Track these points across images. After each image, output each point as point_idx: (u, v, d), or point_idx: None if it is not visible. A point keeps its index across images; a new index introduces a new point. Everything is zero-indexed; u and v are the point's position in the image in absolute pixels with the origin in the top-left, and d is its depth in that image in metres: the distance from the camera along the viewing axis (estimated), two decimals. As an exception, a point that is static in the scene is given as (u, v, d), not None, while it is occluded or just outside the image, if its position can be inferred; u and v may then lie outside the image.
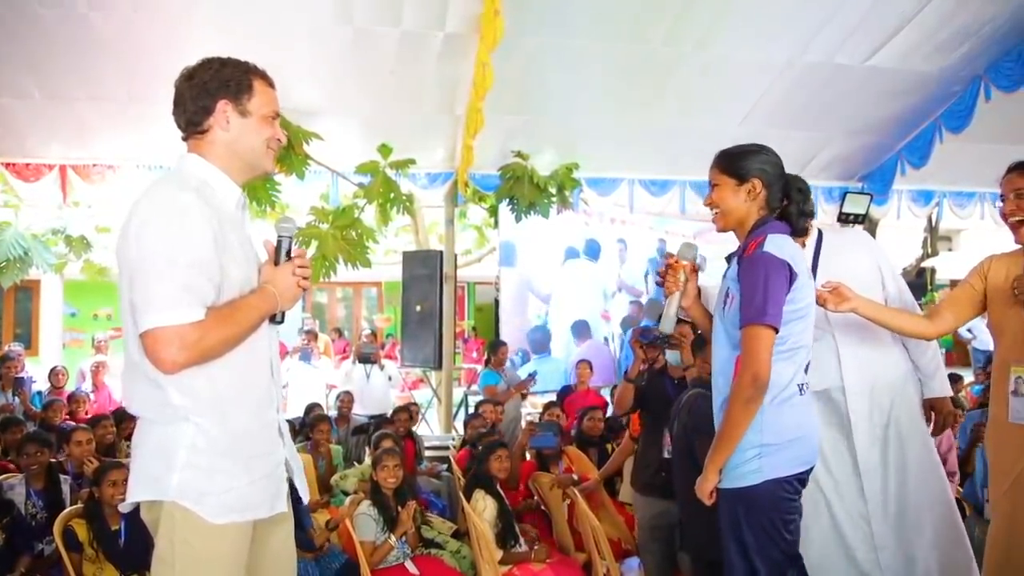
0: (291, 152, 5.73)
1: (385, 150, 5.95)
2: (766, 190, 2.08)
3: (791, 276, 1.97)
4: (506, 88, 5.47)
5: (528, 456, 4.46)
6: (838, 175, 7.36)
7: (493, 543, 3.44)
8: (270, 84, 1.81)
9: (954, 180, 7.55)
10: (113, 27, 5.03)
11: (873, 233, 9.19)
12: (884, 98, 6.17)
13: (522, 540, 3.66)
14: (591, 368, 5.97)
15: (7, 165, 6.19)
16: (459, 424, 6.57)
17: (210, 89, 1.72)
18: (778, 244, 1.99)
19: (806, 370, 2.06)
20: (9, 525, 3.25)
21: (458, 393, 7.66)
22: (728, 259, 2.18)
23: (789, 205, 2.14)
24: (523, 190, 6.22)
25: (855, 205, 7.82)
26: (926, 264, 11.65)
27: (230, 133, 1.73)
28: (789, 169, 2.20)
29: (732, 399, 1.94)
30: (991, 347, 2.63)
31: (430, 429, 6.97)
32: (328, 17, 5.12)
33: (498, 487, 3.70)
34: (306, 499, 1.92)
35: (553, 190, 6.39)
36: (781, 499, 1.98)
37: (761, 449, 1.95)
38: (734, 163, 2.12)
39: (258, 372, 1.76)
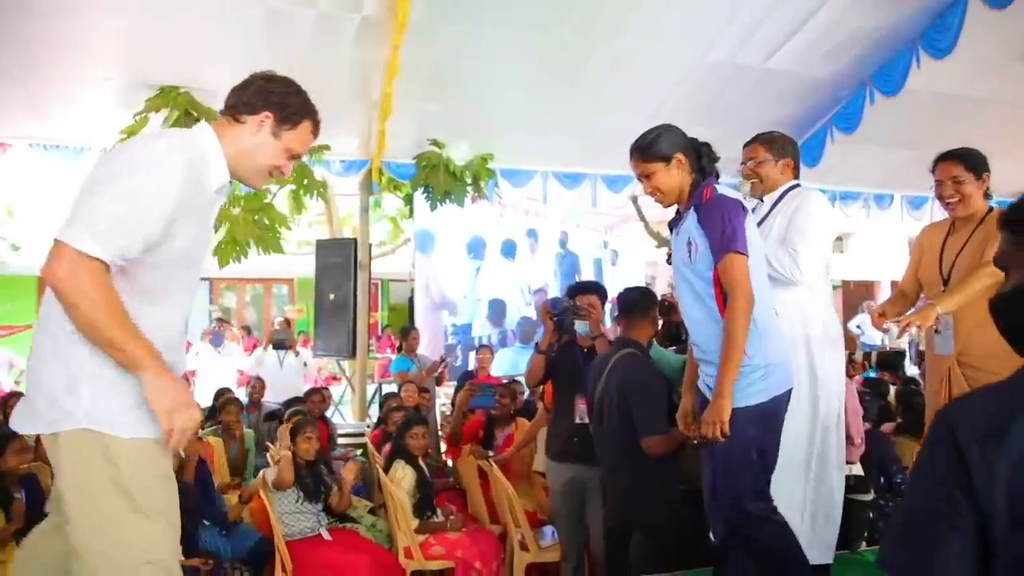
0: (200, 133, 5.59)
1: (298, 135, 5.87)
2: (687, 158, 2.39)
3: (744, 212, 2.26)
4: (421, 75, 5.51)
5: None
6: (740, 172, 7.72)
7: (410, 511, 3.46)
8: (315, 133, 1.94)
9: (842, 180, 8.06)
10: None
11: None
12: (781, 99, 6.54)
13: (439, 511, 3.70)
14: (492, 353, 6.08)
15: None
16: (373, 414, 6.53)
17: (270, 99, 1.83)
18: (725, 190, 2.31)
19: None
20: None
21: (372, 389, 7.61)
22: (672, 225, 2.49)
23: (702, 159, 2.34)
24: (438, 179, 6.27)
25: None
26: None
27: (253, 139, 1.81)
28: None
29: (733, 324, 2.14)
30: (878, 343, 2.98)
31: (343, 419, 6.90)
32: (241, -7, 5.02)
33: (419, 460, 3.73)
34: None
35: (468, 180, 6.47)
36: (781, 412, 2.29)
37: (765, 370, 2.22)
38: (654, 148, 2.40)
39: (174, 320, 1.78)
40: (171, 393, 1.57)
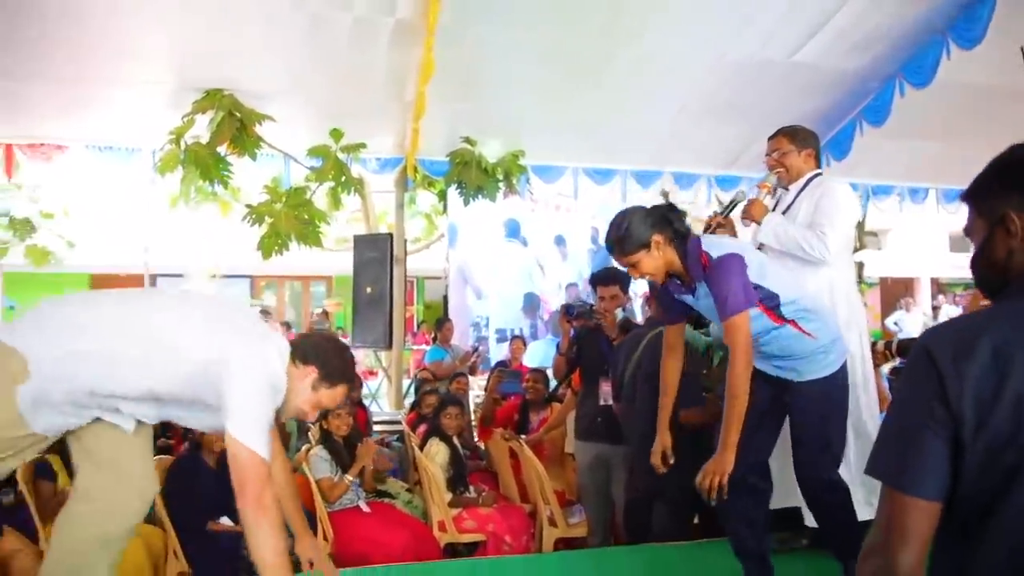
0: (243, 133, 5.86)
1: (336, 134, 6.12)
2: (663, 234, 2.39)
3: (740, 259, 2.31)
4: (454, 75, 5.70)
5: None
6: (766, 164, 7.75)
7: (444, 486, 3.64)
8: (347, 396, 2.31)
9: (872, 174, 8.05)
10: (59, 4, 5.08)
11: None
12: (808, 94, 6.58)
13: (472, 488, 3.87)
14: (524, 344, 6.24)
15: (-52, 144, 6.15)
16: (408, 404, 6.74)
17: (320, 357, 2.09)
18: (712, 243, 2.39)
19: None
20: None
21: (407, 384, 7.84)
22: (679, 291, 2.51)
23: (674, 225, 2.44)
24: (471, 175, 6.45)
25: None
26: (855, 258, 12.23)
27: (298, 384, 2.07)
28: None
29: (735, 382, 2.22)
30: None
31: (380, 408, 7.13)
32: (284, 1, 5.27)
33: (453, 439, 3.92)
34: None
35: (500, 176, 6.65)
36: (847, 380, 2.51)
37: (828, 345, 2.43)
38: (628, 242, 2.38)
39: None
40: None
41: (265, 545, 1.80)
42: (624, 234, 2.35)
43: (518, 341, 6.10)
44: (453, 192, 6.82)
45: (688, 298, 2.46)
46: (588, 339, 3.78)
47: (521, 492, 4.19)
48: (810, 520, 2.80)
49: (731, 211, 3.16)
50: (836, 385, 2.50)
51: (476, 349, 6.02)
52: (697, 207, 11.52)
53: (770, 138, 3.32)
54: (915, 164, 7.81)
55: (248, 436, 1.85)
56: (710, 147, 7.29)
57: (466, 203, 6.62)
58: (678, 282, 2.44)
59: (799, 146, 3.19)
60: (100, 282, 12.95)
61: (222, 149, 5.88)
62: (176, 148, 5.84)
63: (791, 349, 2.45)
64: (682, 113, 6.69)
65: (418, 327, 12.47)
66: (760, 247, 3.03)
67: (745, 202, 3.13)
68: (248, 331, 2.07)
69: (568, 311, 3.80)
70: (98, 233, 10.35)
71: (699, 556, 2.75)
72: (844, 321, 2.92)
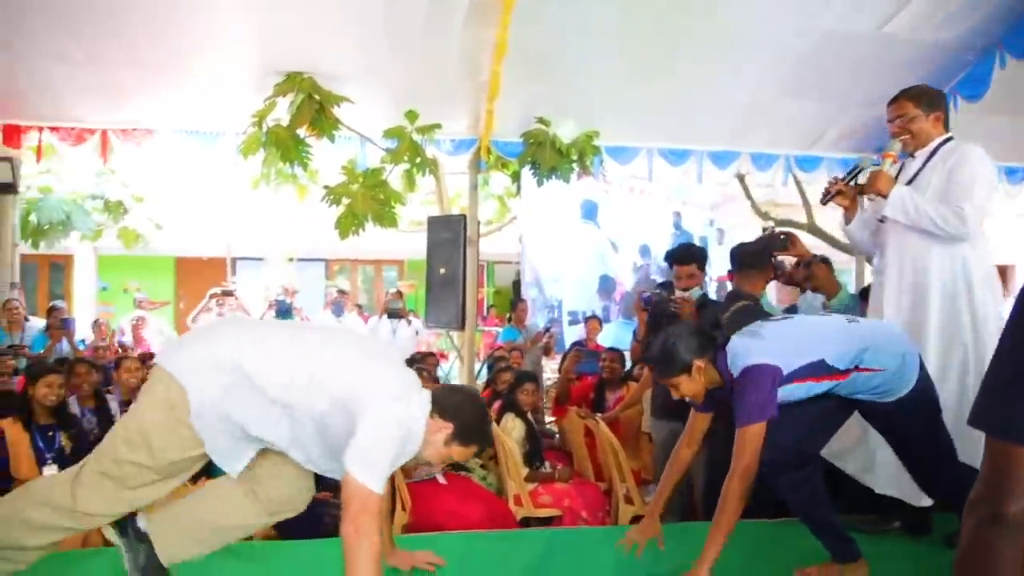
0: (322, 115, 5.98)
1: (412, 116, 6.17)
2: (706, 357, 2.38)
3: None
4: (528, 55, 5.67)
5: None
6: (853, 147, 7.45)
7: (520, 461, 3.65)
8: (477, 454, 2.35)
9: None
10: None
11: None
12: (898, 68, 6.25)
13: (547, 463, 3.87)
14: (601, 323, 6.20)
15: (52, 129, 6.48)
16: (481, 384, 6.79)
17: (458, 414, 2.10)
18: (741, 351, 2.33)
19: None
20: (75, 435, 3.53)
21: (478, 367, 7.91)
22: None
23: (716, 342, 2.46)
24: (545, 155, 6.42)
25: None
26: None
27: (429, 438, 2.09)
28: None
29: (731, 499, 2.16)
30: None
31: (453, 389, 7.21)
32: (360, -18, 5.34)
33: (528, 415, 3.92)
34: None
35: (575, 157, 6.60)
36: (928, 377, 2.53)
37: (898, 368, 2.41)
38: (670, 367, 2.37)
39: None
40: None
41: (360, 573, 1.79)
42: (667, 356, 2.34)
43: (594, 321, 6.07)
44: (527, 173, 6.80)
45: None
46: (665, 316, 3.72)
47: (596, 471, 4.17)
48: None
49: (854, 179, 3.03)
50: (923, 389, 2.46)
51: (548, 329, 6.01)
52: (775, 189, 11.25)
53: (891, 102, 3.13)
54: (1017, 142, 7.37)
55: (366, 476, 1.86)
56: (791, 126, 7.05)
57: (540, 184, 6.60)
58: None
59: (926, 109, 3.01)
60: (184, 265, 13.51)
61: (302, 131, 6.01)
62: (258, 131, 6.00)
63: (870, 385, 2.45)
64: (761, 90, 6.49)
65: (488, 311, 12.55)
66: (882, 220, 2.91)
67: (867, 172, 2.98)
68: (395, 372, 2.09)
69: (644, 301, 3.76)
70: (183, 217, 10.78)
71: (780, 533, 2.68)
72: (980, 297, 2.80)
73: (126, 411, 4.26)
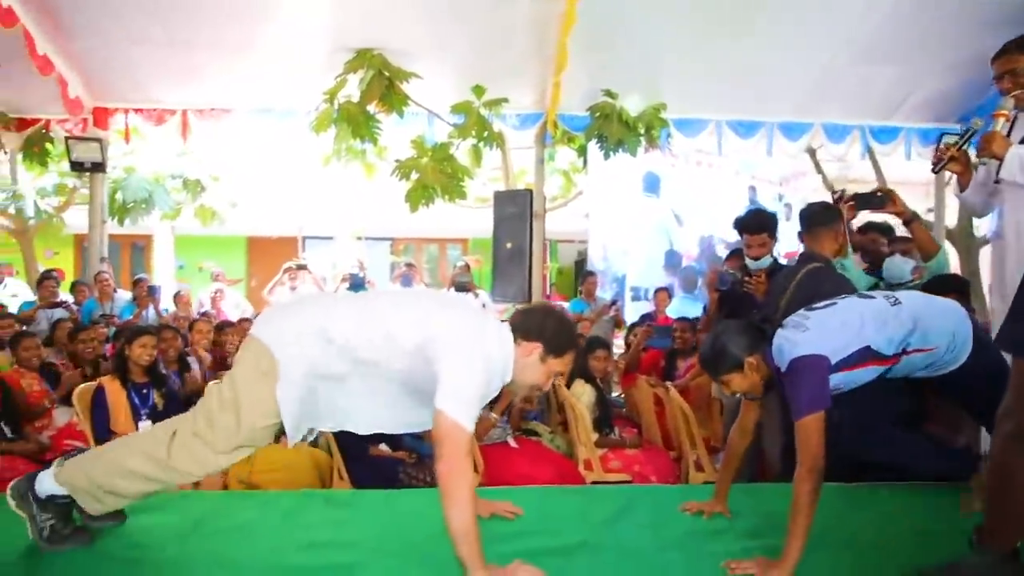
0: (391, 91, 6.08)
1: (479, 91, 6.22)
2: (757, 352, 2.29)
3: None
4: (595, 26, 5.64)
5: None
6: (935, 115, 7.16)
7: (590, 426, 3.68)
8: (574, 359, 2.22)
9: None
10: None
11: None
12: (988, 28, 5.94)
13: (616, 430, 3.90)
14: (669, 295, 6.16)
15: (136, 111, 6.78)
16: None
17: (543, 333, 2.08)
18: (791, 345, 2.26)
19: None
20: (166, 394, 3.72)
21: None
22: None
23: (767, 335, 2.38)
24: (612, 128, 6.38)
25: (952, 147, 7.56)
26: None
27: (524, 362, 2.08)
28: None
29: (806, 497, 2.02)
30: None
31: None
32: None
33: (598, 381, 3.95)
34: None
35: (641, 130, 6.54)
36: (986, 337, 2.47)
37: (949, 344, 2.37)
38: (721, 365, 2.29)
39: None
40: None
41: (458, 512, 1.81)
42: (718, 353, 2.28)
43: (663, 292, 6.03)
44: (593, 147, 6.78)
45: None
46: (738, 297, 3.70)
47: (664, 440, 4.16)
48: None
49: (967, 142, 2.92)
50: (979, 353, 2.40)
51: (614, 302, 6.01)
52: (847, 164, 10.90)
53: (996, 57, 2.92)
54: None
55: (456, 411, 1.88)
56: (866, 95, 6.82)
57: (606, 157, 6.58)
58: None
59: None
60: (256, 244, 13.94)
61: (372, 108, 6.13)
62: (329, 107, 6.15)
63: (922, 365, 2.40)
64: (836, 57, 6.29)
65: (550, 289, 12.57)
66: (997, 182, 2.79)
67: (979, 134, 2.84)
68: (464, 313, 2.12)
69: (721, 280, 3.72)
70: (256, 197, 11.12)
71: (858, 497, 2.64)
72: None
73: (209, 375, 4.50)
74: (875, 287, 3.27)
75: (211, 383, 2.23)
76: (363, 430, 2.18)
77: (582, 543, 2.16)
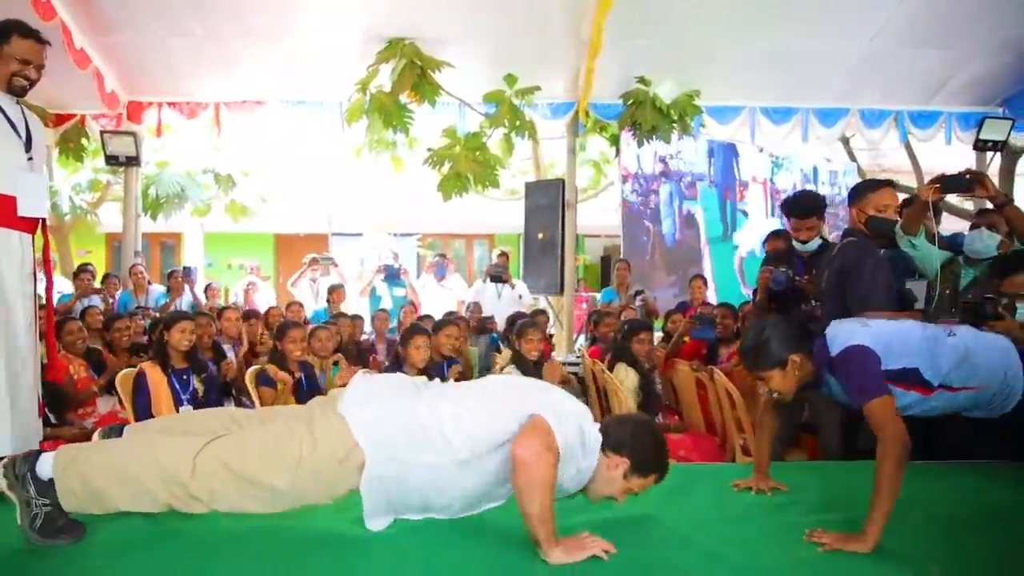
0: (423, 80, 6.05)
1: (511, 80, 6.18)
2: (801, 352, 2.19)
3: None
4: (629, 12, 5.57)
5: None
6: (976, 99, 7.00)
7: (635, 409, 3.62)
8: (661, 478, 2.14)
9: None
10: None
11: (1015, 163, 8.73)
12: (1028, 9, 5.86)
13: (660, 415, 3.83)
14: (705, 283, 6.09)
15: (170, 105, 6.82)
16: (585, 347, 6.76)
17: (635, 450, 2.00)
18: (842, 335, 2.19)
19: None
20: (205, 379, 3.71)
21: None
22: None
23: (813, 337, 2.28)
24: (645, 115, 6.31)
25: (994, 131, 7.44)
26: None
27: (606, 474, 1.99)
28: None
29: (892, 470, 1.94)
30: None
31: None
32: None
33: (642, 364, 3.88)
34: None
35: (675, 117, 6.45)
36: None
37: (1001, 383, 2.30)
38: (763, 360, 2.19)
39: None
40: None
41: (539, 495, 1.75)
42: (760, 349, 2.18)
43: (699, 280, 5.94)
44: (625, 136, 6.71)
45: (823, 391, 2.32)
46: (789, 301, 3.65)
47: (707, 426, 4.08)
48: None
49: None
50: None
51: (640, 292, 5.96)
52: (882, 153, 10.70)
53: None
54: None
55: (549, 416, 1.83)
56: (908, 78, 6.68)
57: (640, 144, 6.51)
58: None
59: None
60: (283, 241, 14.01)
61: (403, 97, 6.11)
62: (362, 97, 6.13)
63: (967, 405, 2.33)
64: (875, 41, 6.16)
65: (577, 284, 12.49)
66: None
67: None
68: (569, 399, 2.03)
69: (775, 281, 3.64)
70: (285, 193, 11.18)
71: (931, 473, 2.55)
72: None
73: (243, 361, 4.50)
74: (950, 262, 3.19)
75: (280, 424, 1.95)
76: (447, 516, 2.02)
77: (647, 516, 2.10)
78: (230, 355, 4.54)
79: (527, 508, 1.76)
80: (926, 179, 9.32)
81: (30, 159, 2.53)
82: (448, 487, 1.90)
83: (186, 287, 6.33)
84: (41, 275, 2.61)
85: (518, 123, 6.25)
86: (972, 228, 3.48)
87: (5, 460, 1.89)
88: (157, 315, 5.63)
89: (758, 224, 8.32)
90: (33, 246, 2.56)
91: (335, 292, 6.52)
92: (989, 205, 3.45)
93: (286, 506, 1.89)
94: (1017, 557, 1.89)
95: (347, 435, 1.86)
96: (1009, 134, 6.95)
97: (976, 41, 6.25)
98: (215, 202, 9.10)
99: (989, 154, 7.11)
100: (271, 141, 8.27)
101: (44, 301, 2.66)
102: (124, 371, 3.63)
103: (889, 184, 3.21)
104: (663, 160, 7.91)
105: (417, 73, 6.00)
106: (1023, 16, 5.85)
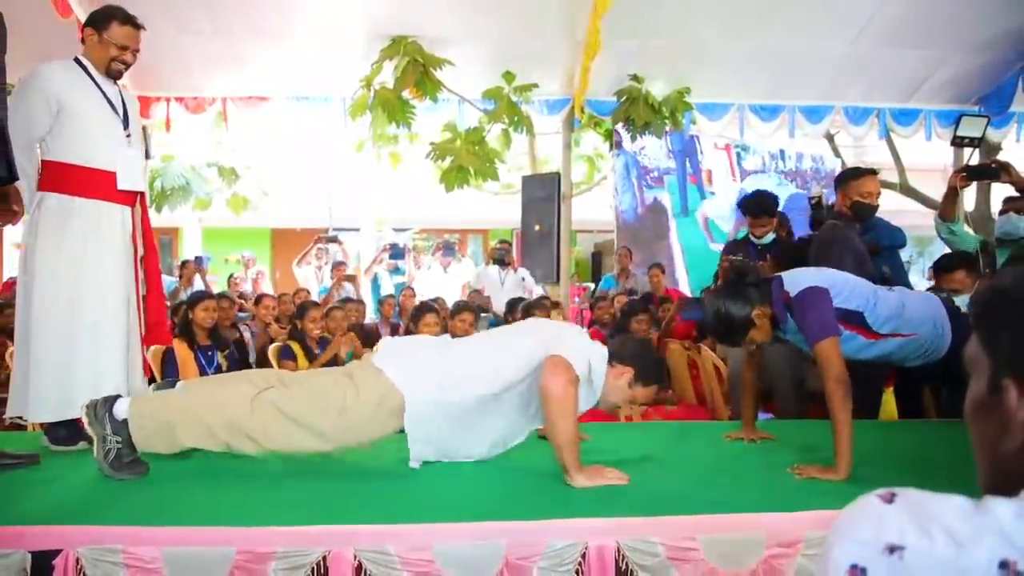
0: (425, 78, 6.29)
1: (509, 77, 6.43)
2: (763, 302, 2.43)
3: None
4: (622, 12, 5.82)
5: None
6: (953, 97, 7.31)
7: (632, 381, 3.86)
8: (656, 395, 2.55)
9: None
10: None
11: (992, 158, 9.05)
12: (1012, 9, 6.12)
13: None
14: (663, 271, 6.41)
15: (178, 100, 7.01)
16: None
17: (636, 360, 2.28)
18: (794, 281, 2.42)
19: None
20: (229, 356, 3.94)
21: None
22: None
23: (772, 284, 2.51)
24: (638, 111, 6.57)
25: (971, 128, 7.73)
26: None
27: (613, 383, 2.26)
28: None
29: (840, 408, 2.18)
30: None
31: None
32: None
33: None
34: None
35: (667, 113, 6.72)
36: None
37: (930, 331, 2.56)
38: (733, 333, 2.41)
39: None
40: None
41: (568, 423, 1.99)
42: (726, 323, 2.37)
43: (656, 269, 6.25)
44: (620, 130, 6.97)
45: (779, 334, 2.52)
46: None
47: (699, 398, 4.35)
48: None
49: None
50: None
51: (657, 265, 6.30)
52: (864, 149, 11.03)
53: None
54: None
55: (569, 356, 2.05)
56: (889, 77, 6.98)
57: (633, 139, 6.77)
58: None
59: None
60: (280, 236, 14.20)
61: (406, 93, 6.34)
62: (365, 93, 6.37)
63: (906, 352, 2.56)
64: (860, 40, 6.44)
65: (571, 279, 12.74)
66: None
67: None
68: (574, 330, 2.31)
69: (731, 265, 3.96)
70: (282, 188, 11.36)
71: (903, 429, 2.83)
72: None
73: (261, 341, 4.73)
74: (984, 244, 3.49)
75: (325, 376, 2.25)
76: (481, 450, 2.28)
77: (648, 457, 2.36)
78: (246, 335, 4.77)
79: (558, 436, 2.03)
80: (908, 174, 9.71)
81: (128, 136, 2.70)
82: (479, 422, 2.18)
83: (196, 276, 6.54)
84: (141, 245, 2.76)
85: (516, 119, 6.49)
86: (1001, 213, 3.78)
87: (89, 402, 2.12)
88: (169, 295, 5.86)
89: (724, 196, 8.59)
90: (133, 218, 2.71)
91: (338, 268, 6.79)
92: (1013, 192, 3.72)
93: (332, 446, 2.15)
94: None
95: (385, 382, 2.12)
96: (985, 130, 7.24)
97: (953, 42, 6.55)
98: (217, 195, 9.29)
99: (967, 150, 7.41)
100: (275, 136, 8.47)
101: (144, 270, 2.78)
102: (154, 347, 3.85)
103: (872, 172, 3.49)
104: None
105: (419, 70, 6.24)
106: (997, 19, 6.15)
